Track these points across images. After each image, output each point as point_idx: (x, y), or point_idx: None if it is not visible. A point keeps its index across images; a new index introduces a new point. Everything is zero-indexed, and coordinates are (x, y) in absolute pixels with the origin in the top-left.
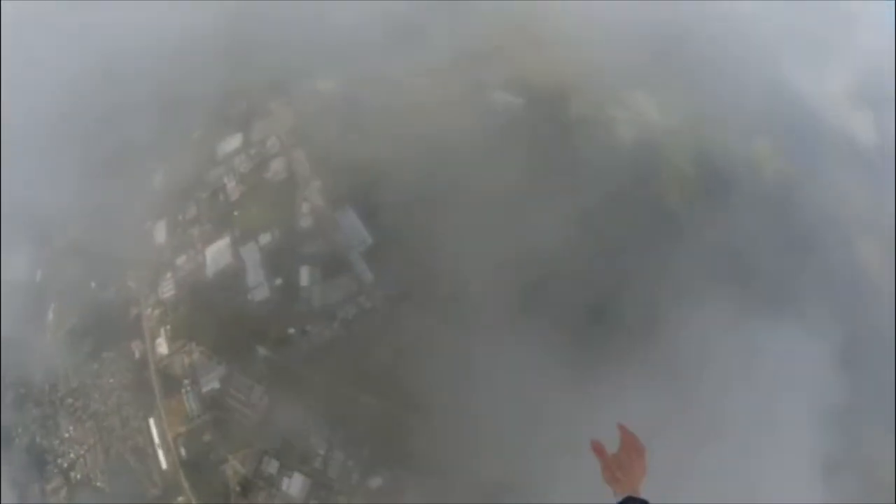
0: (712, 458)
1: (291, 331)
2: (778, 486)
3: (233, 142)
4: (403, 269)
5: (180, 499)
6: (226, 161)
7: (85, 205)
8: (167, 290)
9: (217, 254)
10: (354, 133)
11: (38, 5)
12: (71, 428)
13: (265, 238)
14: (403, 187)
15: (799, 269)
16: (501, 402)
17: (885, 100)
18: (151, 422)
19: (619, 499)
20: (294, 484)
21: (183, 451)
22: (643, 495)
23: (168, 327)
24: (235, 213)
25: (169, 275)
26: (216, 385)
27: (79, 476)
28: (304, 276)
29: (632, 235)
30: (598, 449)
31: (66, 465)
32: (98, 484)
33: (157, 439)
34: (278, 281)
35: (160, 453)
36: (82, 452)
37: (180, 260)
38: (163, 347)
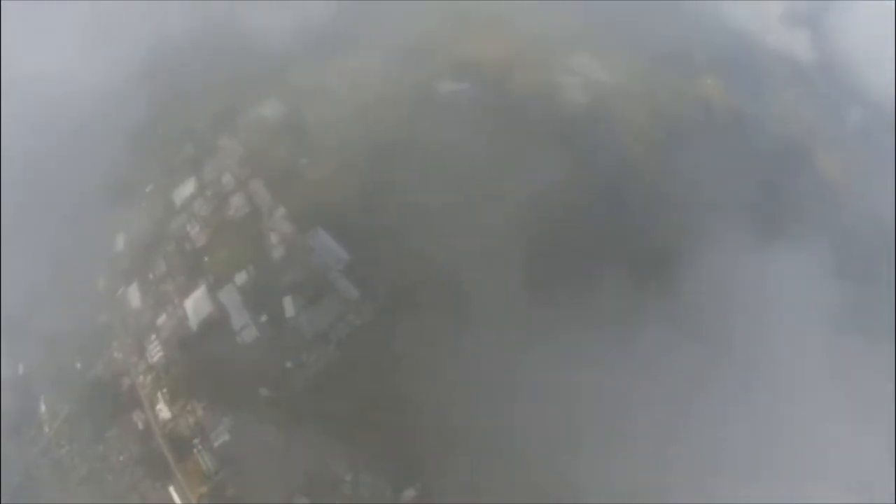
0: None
1: (289, 364)
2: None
3: (187, 187)
4: (386, 277)
5: None
6: (184, 208)
7: (52, 285)
8: (155, 353)
9: (196, 304)
10: (306, 152)
11: None
12: None
13: (241, 277)
14: (367, 196)
15: (772, 192)
16: (516, 395)
17: (818, 16)
18: (172, 490)
19: None
20: None
21: None
22: None
23: (165, 390)
24: (206, 259)
25: (153, 337)
26: (226, 437)
27: None
28: (289, 306)
29: (602, 193)
30: None
31: None
32: None
33: None
34: (263, 318)
35: None
36: None
37: (161, 319)
38: (164, 412)
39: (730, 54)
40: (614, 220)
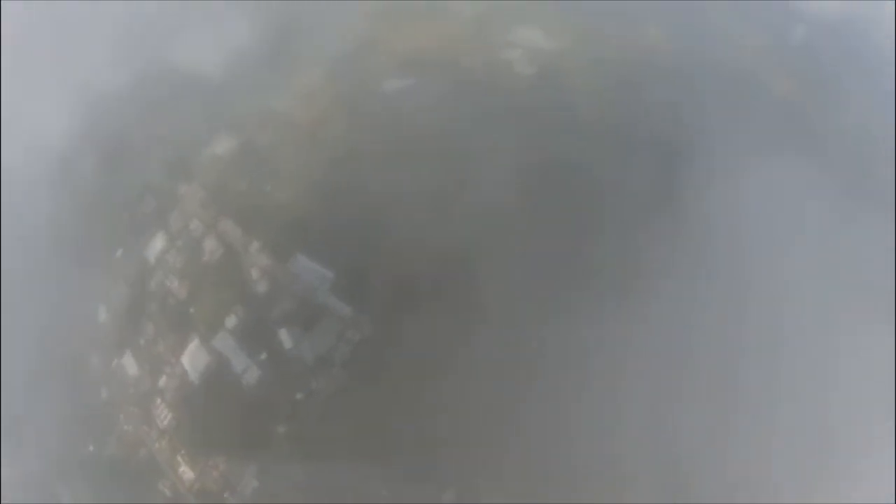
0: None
1: (299, 396)
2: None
3: (157, 242)
4: (376, 285)
5: None
6: (159, 264)
7: (44, 374)
8: (164, 417)
9: (193, 358)
10: (267, 178)
11: None
12: None
13: (231, 321)
14: (337, 208)
15: (735, 123)
16: (540, 382)
17: None
18: None
19: None
20: None
21: None
22: None
23: (183, 452)
24: (192, 311)
25: (158, 401)
26: (255, 483)
27: None
28: (286, 338)
29: (571, 159)
30: None
31: None
32: None
33: None
34: (263, 356)
35: None
36: None
37: (162, 382)
38: (188, 473)
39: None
40: (589, 176)
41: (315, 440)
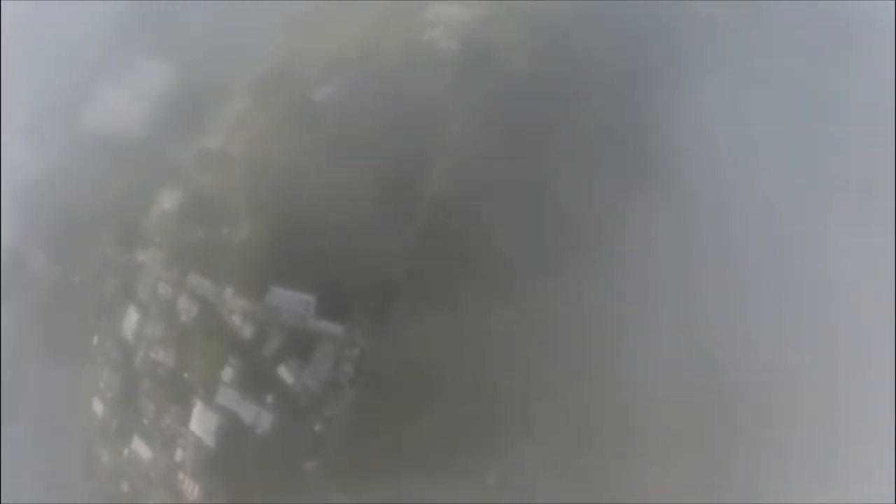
0: None
1: (317, 427)
2: None
3: (131, 318)
4: (359, 296)
5: None
6: (139, 339)
7: (60, 480)
8: (191, 490)
9: (202, 423)
10: (222, 221)
11: None
12: None
13: (227, 374)
14: (298, 231)
15: (670, 45)
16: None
17: None
18: None
19: None
20: None
21: None
22: None
23: None
24: (186, 376)
25: (181, 476)
26: None
27: None
28: (287, 375)
29: (516, 114)
30: None
31: None
32: None
33: None
34: (269, 399)
35: None
36: None
37: (178, 456)
38: None
39: None
40: (537, 130)
41: (347, 464)
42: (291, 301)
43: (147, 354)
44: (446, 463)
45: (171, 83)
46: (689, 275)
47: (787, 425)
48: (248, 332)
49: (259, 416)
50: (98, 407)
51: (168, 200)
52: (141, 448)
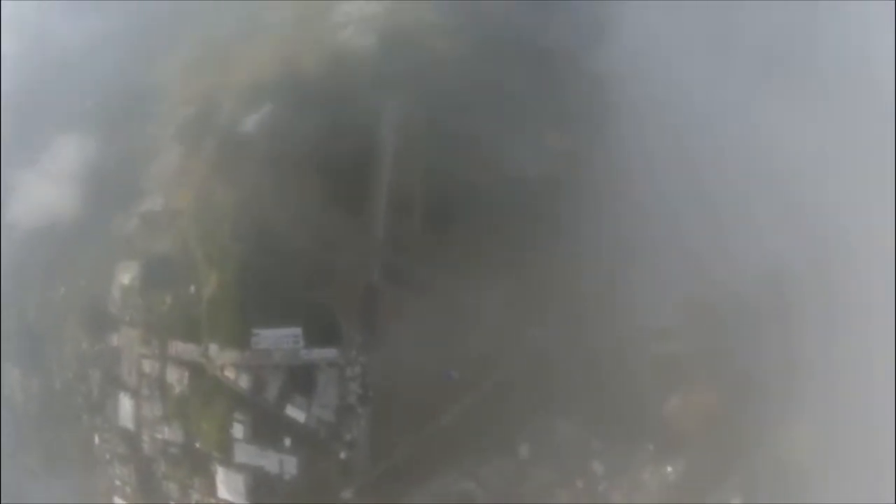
0: None
1: (343, 455)
2: None
3: (125, 405)
4: (343, 313)
5: None
6: (140, 424)
7: None
8: None
9: (229, 486)
10: (186, 279)
11: None
12: None
13: (239, 431)
14: (262, 269)
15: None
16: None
17: None
18: None
19: None
20: None
21: None
22: None
23: None
24: (198, 446)
25: None
26: None
27: None
28: (297, 413)
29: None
30: None
31: None
32: None
33: None
34: (287, 442)
35: None
36: None
37: None
38: None
39: None
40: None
41: (381, 481)
42: (278, 339)
43: (153, 437)
44: (476, 447)
45: (92, 155)
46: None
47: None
48: (245, 383)
49: (283, 463)
50: (119, 502)
51: (126, 275)
52: None
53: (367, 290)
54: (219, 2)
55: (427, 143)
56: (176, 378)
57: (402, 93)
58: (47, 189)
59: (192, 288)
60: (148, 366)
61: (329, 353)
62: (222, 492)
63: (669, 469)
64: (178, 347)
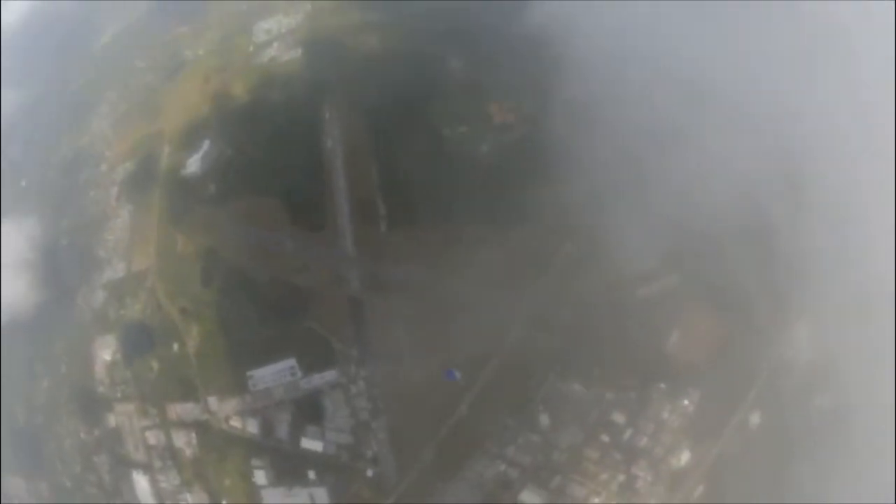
0: None
1: (370, 473)
2: None
3: (141, 483)
4: (331, 331)
5: None
6: (162, 497)
7: None
8: None
9: None
10: (168, 341)
11: None
12: None
13: (261, 477)
14: (242, 310)
15: None
16: None
17: None
18: None
19: None
20: (531, 498)
21: None
22: None
23: None
24: (224, 503)
25: None
26: None
27: None
28: (313, 444)
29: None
30: None
31: None
32: None
33: None
34: (311, 474)
35: None
36: None
37: None
38: None
39: None
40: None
41: (416, 488)
42: (275, 375)
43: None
44: (497, 429)
45: (40, 236)
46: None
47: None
48: (253, 427)
49: (313, 496)
50: None
51: (106, 351)
52: None
53: (350, 303)
54: (135, 50)
55: (373, 143)
56: (184, 442)
57: (337, 99)
58: (6, 280)
59: (176, 346)
60: (153, 437)
61: (329, 375)
62: None
63: (686, 402)
64: (178, 410)
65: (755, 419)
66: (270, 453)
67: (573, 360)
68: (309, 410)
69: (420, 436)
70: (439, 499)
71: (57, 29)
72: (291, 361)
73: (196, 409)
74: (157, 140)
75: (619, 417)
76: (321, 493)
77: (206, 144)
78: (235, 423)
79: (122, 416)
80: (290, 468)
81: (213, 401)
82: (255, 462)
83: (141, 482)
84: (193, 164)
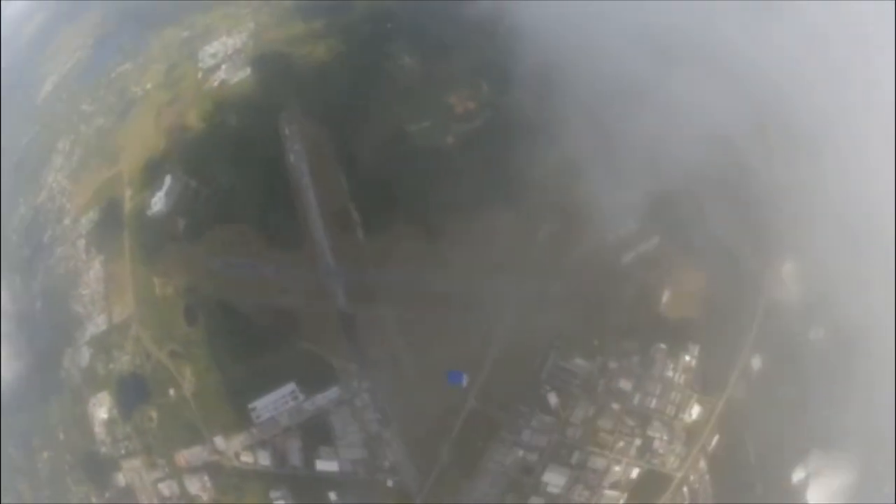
0: None
1: (390, 483)
2: None
3: None
4: (328, 350)
5: None
6: None
7: None
8: None
9: None
10: (164, 389)
11: None
12: None
13: (277, 497)
14: (233, 345)
15: None
16: None
17: None
18: None
19: None
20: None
21: None
22: None
23: None
24: None
25: None
26: None
27: None
28: (327, 465)
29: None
30: None
31: None
32: None
33: None
34: (332, 496)
35: None
36: None
37: None
38: None
39: None
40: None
41: (439, 490)
42: (277, 403)
43: None
44: (507, 414)
45: (11, 303)
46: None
47: None
48: (266, 459)
49: None
50: None
51: (101, 409)
52: None
53: (340, 317)
54: (80, 95)
55: (337, 152)
56: (199, 487)
57: (294, 113)
58: None
59: (172, 391)
60: (166, 488)
61: (331, 393)
62: None
63: (688, 358)
64: (186, 456)
65: (757, 363)
66: (288, 482)
67: (571, 335)
68: (318, 432)
69: (434, 437)
70: (466, 495)
71: None
72: (291, 386)
73: (204, 452)
74: (117, 183)
75: (625, 384)
76: None
77: (167, 180)
78: (247, 458)
79: (130, 472)
80: (310, 493)
81: (219, 440)
82: (273, 494)
83: None
84: (158, 203)
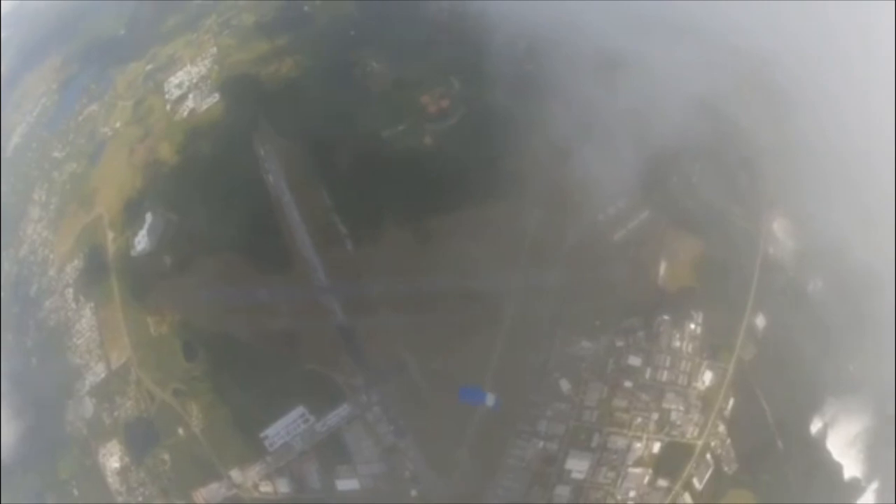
0: None
1: (414, 492)
2: None
3: None
4: (331, 367)
5: None
6: None
7: None
8: None
9: None
10: (172, 428)
11: None
12: None
13: None
14: (236, 374)
15: None
16: None
17: None
18: None
19: None
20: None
21: None
22: None
23: None
24: None
25: None
26: None
27: None
28: (348, 483)
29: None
30: None
31: None
32: None
33: None
34: None
35: None
36: None
37: None
38: None
39: None
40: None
41: (464, 491)
42: (289, 428)
43: None
44: (522, 407)
45: (7, 365)
46: None
47: None
48: (285, 486)
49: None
50: None
51: (112, 459)
52: None
53: (340, 333)
54: (50, 142)
55: (315, 166)
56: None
57: (268, 132)
58: None
59: (181, 430)
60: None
61: (342, 411)
62: None
63: (692, 326)
64: (204, 494)
65: (761, 322)
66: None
67: (573, 319)
68: (333, 452)
69: (451, 440)
70: (491, 494)
71: None
72: (300, 409)
73: (222, 488)
74: (98, 227)
75: (634, 361)
76: None
77: (148, 218)
78: (266, 487)
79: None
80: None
81: (235, 473)
82: None
83: None
84: (141, 242)
